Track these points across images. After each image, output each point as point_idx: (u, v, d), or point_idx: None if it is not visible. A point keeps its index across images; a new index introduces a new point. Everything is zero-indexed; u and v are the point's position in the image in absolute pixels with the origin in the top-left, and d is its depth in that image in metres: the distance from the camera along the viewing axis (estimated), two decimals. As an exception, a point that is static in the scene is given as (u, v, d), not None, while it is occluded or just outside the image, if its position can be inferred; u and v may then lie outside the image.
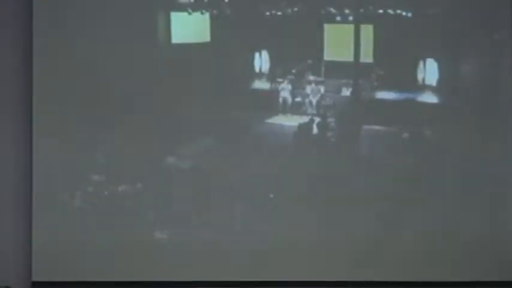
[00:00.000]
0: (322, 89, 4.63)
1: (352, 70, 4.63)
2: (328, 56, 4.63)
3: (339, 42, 4.62)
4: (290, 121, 4.65)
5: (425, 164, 4.54)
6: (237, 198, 4.55)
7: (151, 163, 4.55)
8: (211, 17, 4.60)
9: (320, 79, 4.63)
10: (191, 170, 4.58)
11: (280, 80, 4.65)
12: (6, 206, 4.55)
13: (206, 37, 4.62)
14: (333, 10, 4.59)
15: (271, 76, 4.64)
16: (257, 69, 4.63)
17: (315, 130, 4.61)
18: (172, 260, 4.51)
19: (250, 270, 4.50)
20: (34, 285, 4.49)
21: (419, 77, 4.58)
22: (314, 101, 4.64)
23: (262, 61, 4.63)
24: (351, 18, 4.60)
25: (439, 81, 4.58)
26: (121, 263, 4.51)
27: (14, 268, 4.53)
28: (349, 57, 4.63)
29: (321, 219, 4.52)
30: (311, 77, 4.64)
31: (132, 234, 4.52)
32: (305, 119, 4.64)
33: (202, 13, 4.60)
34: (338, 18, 4.60)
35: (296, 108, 4.65)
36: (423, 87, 4.59)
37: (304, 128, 4.63)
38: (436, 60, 4.58)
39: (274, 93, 4.65)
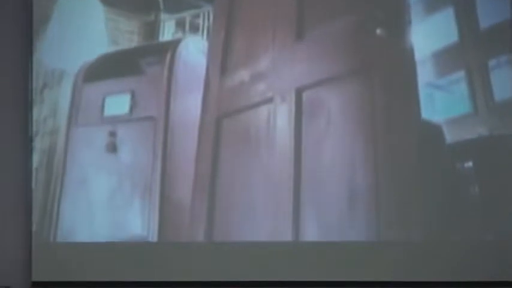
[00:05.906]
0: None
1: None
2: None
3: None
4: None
5: (426, 164, 4.55)
6: (236, 198, 4.55)
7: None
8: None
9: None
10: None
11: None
12: (6, 206, 4.56)
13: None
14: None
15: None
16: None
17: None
18: (172, 260, 4.51)
19: (250, 270, 4.50)
20: (34, 285, 4.50)
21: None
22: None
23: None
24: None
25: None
26: (121, 263, 4.51)
27: (14, 268, 4.53)
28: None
29: (321, 219, 4.51)
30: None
31: (132, 234, 4.53)
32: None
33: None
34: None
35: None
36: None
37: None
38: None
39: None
